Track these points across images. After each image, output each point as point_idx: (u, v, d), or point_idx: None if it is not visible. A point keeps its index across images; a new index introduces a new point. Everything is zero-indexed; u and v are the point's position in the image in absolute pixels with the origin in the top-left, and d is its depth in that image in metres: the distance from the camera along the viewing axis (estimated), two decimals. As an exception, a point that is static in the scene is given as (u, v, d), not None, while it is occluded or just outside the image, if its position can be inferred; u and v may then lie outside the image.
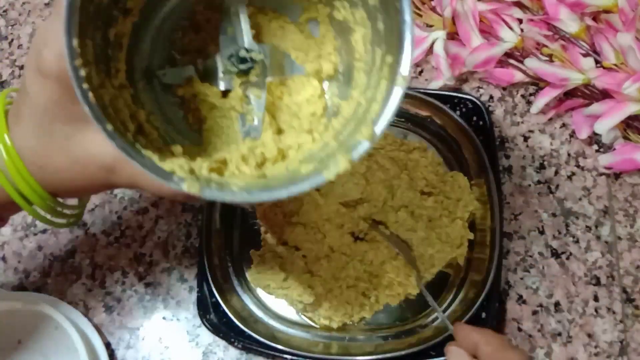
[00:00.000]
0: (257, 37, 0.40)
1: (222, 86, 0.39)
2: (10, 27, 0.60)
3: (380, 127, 0.30)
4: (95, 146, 0.32)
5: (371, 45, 0.35)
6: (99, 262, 0.50)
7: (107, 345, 0.47)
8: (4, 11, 0.60)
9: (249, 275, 0.49)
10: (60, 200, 0.35)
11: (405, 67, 0.30)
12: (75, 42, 0.28)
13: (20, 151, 0.32)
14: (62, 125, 0.31)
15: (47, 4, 0.60)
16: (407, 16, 0.30)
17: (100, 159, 0.32)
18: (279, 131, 0.39)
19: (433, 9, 0.54)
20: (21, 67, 0.58)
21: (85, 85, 0.28)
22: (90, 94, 0.28)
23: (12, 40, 0.59)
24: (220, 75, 0.39)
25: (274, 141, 0.37)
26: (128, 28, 0.36)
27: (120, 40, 0.35)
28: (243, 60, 0.38)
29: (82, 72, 0.28)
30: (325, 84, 0.40)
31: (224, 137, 0.39)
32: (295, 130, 0.39)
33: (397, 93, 0.30)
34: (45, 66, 0.30)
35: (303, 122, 0.39)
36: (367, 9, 0.34)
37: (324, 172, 0.30)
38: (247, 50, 0.38)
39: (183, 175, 0.29)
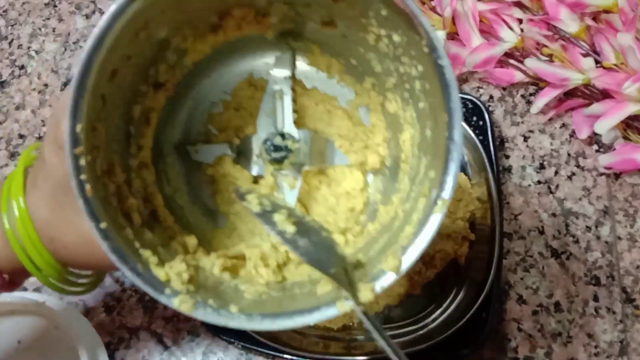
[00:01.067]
0: (300, 121, 0.37)
1: (254, 171, 0.36)
2: (10, 27, 0.60)
3: (409, 260, 0.27)
4: None
5: (418, 150, 0.32)
6: (99, 262, 0.50)
7: (107, 345, 0.47)
8: (4, 11, 0.60)
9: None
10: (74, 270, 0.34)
11: (447, 191, 0.27)
12: (79, 127, 0.26)
13: (34, 220, 0.31)
14: (74, 200, 0.29)
15: (46, 4, 0.60)
16: (456, 134, 0.27)
17: None
18: None
19: (433, 9, 0.54)
20: (21, 67, 0.58)
21: (82, 177, 0.26)
22: (88, 186, 0.26)
23: (12, 40, 0.59)
24: (254, 158, 0.36)
25: None
26: (160, 103, 0.34)
27: (148, 115, 0.33)
28: (278, 148, 0.35)
29: (82, 161, 0.26)
30: (370, 177, 0.37)
31: (250, 225, 0.37)
32: (330, 227, 0.36)
33: (435, 220, 0.27)
34: (62, 138, 0.28)
35: (339, 218, 0.36)
36: (417, 109, 0.32)
37: (337, 303, 0.27)
38: (284, 137, 0.35)
39: (178, 287, 0.27)
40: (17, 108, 0.56)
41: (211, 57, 0.35)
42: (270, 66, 0.37)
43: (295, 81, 0.37)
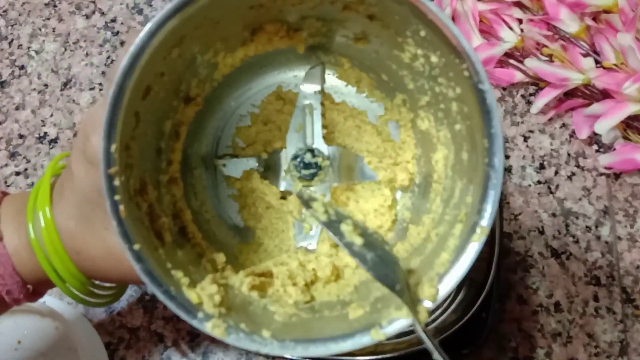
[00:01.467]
0: (329, 136, 0.37)
1: (282, 186, 0.36)
2: (10, 27, 0.60)
3: (446, 288, 0.27)
4: None
5: (452, 172, 0.31)
6: (99, 262, 0.50)
7: (107, 345, 0.47)
8: (4, 11, 0.60)
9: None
10: (96, 282, 0.34)
11: (486, 219, 0.27)
12: (113, 147, 0.25)
13: (60, 231, 0.30)
14: (102, 214, 0.29)
15: (47, 4, 0.60)
16: (497, 161, 0.26)
17: None
18: (336, 245, 0.36)
19: (433, 9, 0.54)
20: (21, 67, 0.58)
21: (117, 197, 0.25)
22: (121, 207, 0.25)
23: (12, 40, 0.59)
24: (282, 174, 0.36)
25: (330, 256, 0.34)
26: (190, 117, 0.33)
27: (178, 129, 0.33)
28: (308, 166, 0.35)
29: (116, 182, 0.25)
30: (398, 194, 0.37)
31: (278, 241, 0.37)
32: None
33: (472, 249, 0.27)
34: (91, 153, 0.28)
35: None
36: (452, 130, 0.31)
37: (372, 331, 0.27)
38: (314, 155, 0.35)
39: (210, 310, 0.27)
40: (17, 108, 0.56)
41: (240, 70, 0.35)
42: (300, 80, 0.37)
43: (324, 95, 0.37)
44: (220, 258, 0.32)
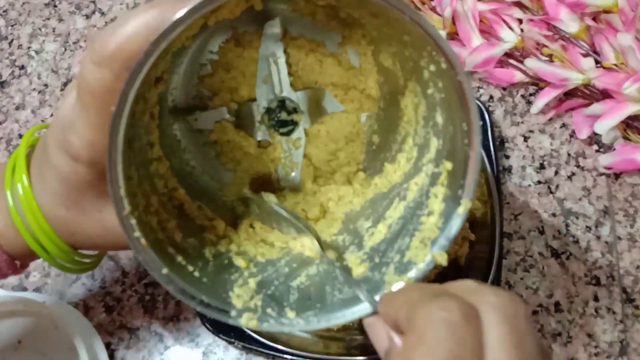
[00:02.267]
0: (296, 80, 0.37)
1: (259, 137, 0.37)
2: (10, 27, 0.60)
3: (441, 248, 0.29)
4: None
5: (424, 123, 0.32)
6: (99, 262, 0.50)
7: (107, 345, 0.47)
8: (4, 11, 0.60)
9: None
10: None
11: (469, 193, 0.28)
12: (122, 191, 0.26)
13: (49, 219, 0.31)
14: (93, 198, 0.30)
15: (47, 4, 0.60)
16: (475, 143, 0.27)
17: None
18: (317, 176, 0.37)
19: (433, 9, 0.54)
20: (21, 67, 0.58)
21: (137, 234, 0.26)
22: (143, 241, 0.26)
23: (12, 40, 0.59)
24: (257, 125, 0.37)
25: (314, 194, 0.35)
26: (157, 94, 0.33)
27: (152, 111, 0.32)
28: (284, 124, 0.36)
29: (132, 220, 0.26)
30: (363, 117, 0.38)
31: (261, 182, 0.37)
32: (333, 174, 0.37)
33: (459, 218, 0.29)
34: (74, 152, 0.28)
35: (341, 162, 0.37)
36: (423, 88, 0.31)
37: (379, 294, 0.28)
38: (286, 108, 0.36)
39: (239, 304, 0.28)
40: (17, 108, 0.56)
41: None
42: (255, 19, 0.36)
43: (284, 40, 0.37)
44: (220, 224, 0.33)
